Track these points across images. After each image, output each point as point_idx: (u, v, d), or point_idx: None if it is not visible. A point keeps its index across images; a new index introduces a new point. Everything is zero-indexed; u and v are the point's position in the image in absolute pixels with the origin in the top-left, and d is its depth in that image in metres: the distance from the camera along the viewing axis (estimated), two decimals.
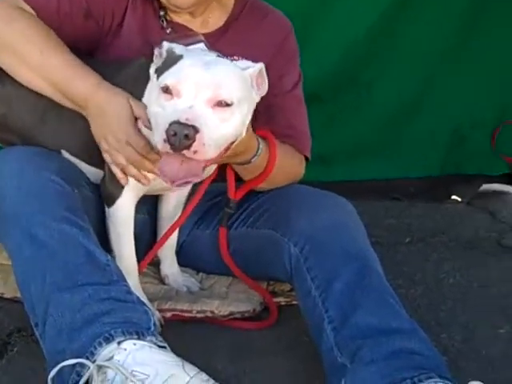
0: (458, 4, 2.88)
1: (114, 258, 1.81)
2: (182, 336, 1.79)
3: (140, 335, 1.53)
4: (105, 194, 1.84)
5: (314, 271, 1.74)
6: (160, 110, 1.57)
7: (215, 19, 2.02)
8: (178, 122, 1.48)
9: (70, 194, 1.73)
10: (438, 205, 2.88)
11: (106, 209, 1.84)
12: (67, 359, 1.50)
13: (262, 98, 1.72)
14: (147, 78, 1.72)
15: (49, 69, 1.79)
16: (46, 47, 1.79)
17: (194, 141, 1.49)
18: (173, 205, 2.02)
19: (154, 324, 1.59)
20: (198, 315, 1.93)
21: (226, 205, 1.94)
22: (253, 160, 1.82)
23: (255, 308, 1.97)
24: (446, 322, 2.00)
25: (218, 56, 1.67)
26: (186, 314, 1.92)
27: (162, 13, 1.97)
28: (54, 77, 1.78)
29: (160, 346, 1.54)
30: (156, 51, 1.68)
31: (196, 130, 1.49)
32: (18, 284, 1.67)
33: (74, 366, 1.50)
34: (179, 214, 1.97)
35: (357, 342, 1.60)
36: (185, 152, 1.50)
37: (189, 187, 1.97)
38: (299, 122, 2.07)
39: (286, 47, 2.05)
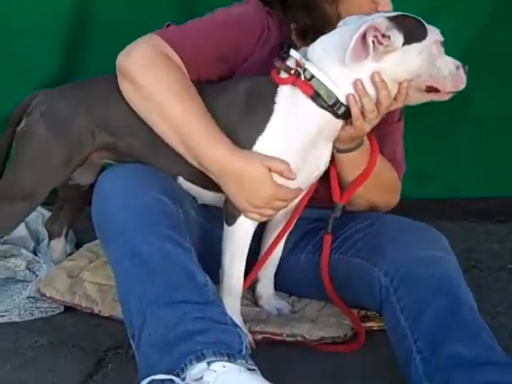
0: None
1: (222, 276, 1.86)
2: (272, 359, 1.80)
3: (231, 357, 1.54)
4: (227, 213, 1.87)
5: (404, 301, 1.73)
6: (443, 60, 1.81)
7: None
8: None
9: (174, 213, 1.77)
10: None
11: (226, 227, 1.87)
12: (158, 373, 1.54)
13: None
14: (258, 101, 1.79)
15: (187, 130, 1.80)
16: (190, 107, 1.81)
17: None
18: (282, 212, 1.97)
19: (246, 347, 1.60)
20: (288, 339, 1.93)
21: (332, 210, 1.94)
22: (356, 150, 1.86)
23: (346, 333, 1.95)
24: None
25: None
26: (276, 337, 1.93)
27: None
28: (191, 140, 1.80)
29: (250, 369, 1.55)
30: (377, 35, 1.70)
31: None
32: (119, 296, 1.72)
33: (163, 381, 1.53)
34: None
35: (446, 374, 1.57)
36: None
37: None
38: (400, 151, 2.12)
39: None
